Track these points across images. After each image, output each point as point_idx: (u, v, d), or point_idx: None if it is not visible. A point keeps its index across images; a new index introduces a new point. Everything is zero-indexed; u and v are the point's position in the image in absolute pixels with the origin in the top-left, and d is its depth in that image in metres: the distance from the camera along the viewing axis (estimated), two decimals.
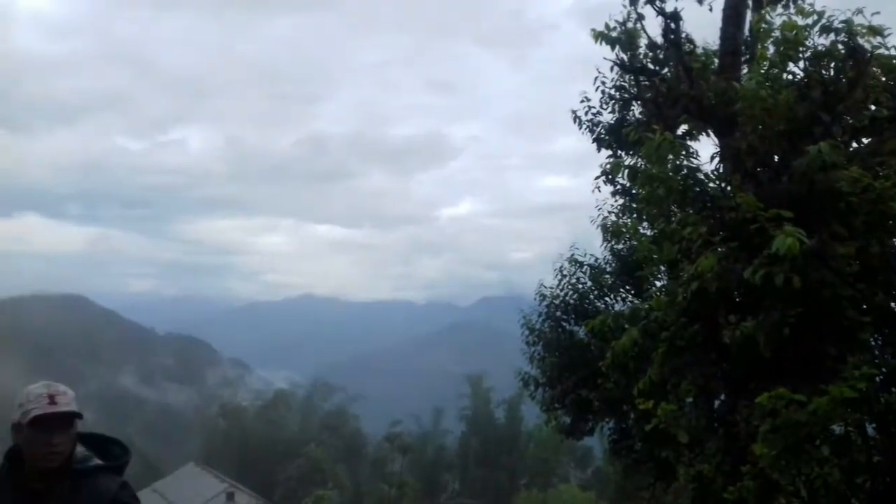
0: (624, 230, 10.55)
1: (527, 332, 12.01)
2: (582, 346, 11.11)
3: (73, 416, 2.77)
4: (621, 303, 11.33)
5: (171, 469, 45.19)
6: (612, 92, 10.93)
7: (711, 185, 7.06)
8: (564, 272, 11.71)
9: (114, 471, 2.92)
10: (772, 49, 7.17)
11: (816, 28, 6.78)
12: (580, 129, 11.21)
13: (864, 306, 5.86)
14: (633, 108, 11.00)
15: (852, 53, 6.73)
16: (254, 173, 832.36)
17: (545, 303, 11.84)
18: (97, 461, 2.88)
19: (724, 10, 9.04)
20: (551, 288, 11.84)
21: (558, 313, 11.68)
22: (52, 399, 2.71)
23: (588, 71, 10.84)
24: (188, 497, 36.20)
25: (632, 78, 10.51)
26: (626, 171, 7.92)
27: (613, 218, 10.94)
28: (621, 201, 10.99)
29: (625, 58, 9.99)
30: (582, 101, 11.12)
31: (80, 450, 2.84)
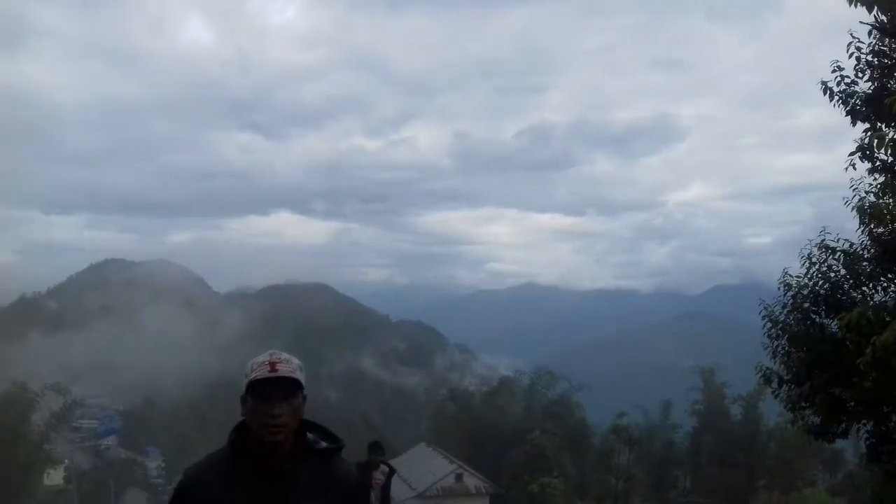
0: (886, 212, 9.46)
1: (769, 325, 11.24)
2: (835, 340, 10.18)
3: (292, 384, 2.52)
4: (882, 293, 10.27)
5: (404, 447, 48.02)
6: (870, 58, 9.78)
7: None
8: (813, 259, 10.82)
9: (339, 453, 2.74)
10: None
11: None
12: (831, 101, 10.14)
13: None
14: (895, 75, 9.79)
15: None
16: (478, 165, 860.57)
17: (790, 293, 11.01)
18: (325, 444, 2.69)
19: None
20: (797, 276, 11.00)
21: (806, 304, 10.81)
22: (272, 366, 2.49)
23: (839, 37, 9.81)
24: (421, 475, 38.32)
25: (894, 41, 9.38)
26: (890, 145, 7.14)
27: (872, 198, 9.81)
28: (882, 179, 9.80)
29: (885, 19, 8.94)
30: (833, 71, 10.05)
31: (308, 434, 2.67)
